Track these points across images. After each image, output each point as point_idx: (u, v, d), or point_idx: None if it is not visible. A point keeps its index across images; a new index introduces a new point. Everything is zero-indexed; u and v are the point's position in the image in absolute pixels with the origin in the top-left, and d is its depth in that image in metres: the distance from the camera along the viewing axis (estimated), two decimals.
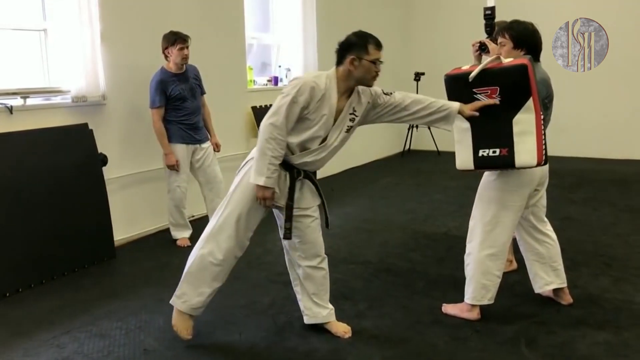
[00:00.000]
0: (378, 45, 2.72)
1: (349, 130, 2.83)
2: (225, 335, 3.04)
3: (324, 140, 2.77)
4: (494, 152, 2.83)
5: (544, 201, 3.24)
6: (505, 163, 2.83)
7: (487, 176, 3.13)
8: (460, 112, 2.84)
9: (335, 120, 2.76)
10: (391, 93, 2.89)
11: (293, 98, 2.64)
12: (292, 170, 2.80)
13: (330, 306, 3.03)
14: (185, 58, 4.33)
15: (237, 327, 3.13)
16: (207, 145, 4.61)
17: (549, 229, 3.26)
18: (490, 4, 3.60)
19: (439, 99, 2.90)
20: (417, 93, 10.17)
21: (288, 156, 2.76)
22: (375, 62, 2.71)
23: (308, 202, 2.88)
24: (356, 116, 2.82)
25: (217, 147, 4.75)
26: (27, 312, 3.38)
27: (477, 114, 2.80)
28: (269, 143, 2.64)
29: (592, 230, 4.72)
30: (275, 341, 2.95)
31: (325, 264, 2.99)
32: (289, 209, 2.80)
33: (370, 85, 2.81)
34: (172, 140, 4.42)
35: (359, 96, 2.82)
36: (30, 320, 3.27)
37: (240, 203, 2.79)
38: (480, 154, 2.87)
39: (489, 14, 3.55)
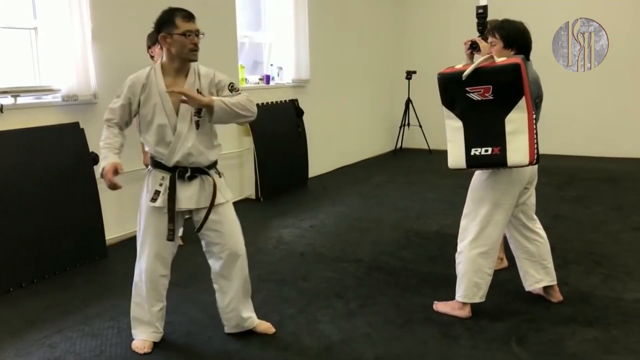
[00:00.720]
0: (187, 17, 2.63)
1: (200, 113, 2.67)
2: (217, 334, 3.03)
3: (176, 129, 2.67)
4: (486, 151, 2.84)
5: (533, 199, 3.27)
6: (497, 162, 2.84)
7: (479, 175, 3.15)
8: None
9: (177, 105, 2.65)
10: (238, 91, 2.74)
11: (118, 100, 2.75)
12: (174, 171, 2.71)
13: (250, 313, 2.96)
14: None
15: None
16: None
17: (538, 227, 3.29)
18: (482, 2, 3.63)
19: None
20: (408, 92, 10.04)
21: (162, 159, 2.72)
22: (187, 34, 2.61)
23: (208, 199, 2.74)
24: (202, 96, 2.64)
25: None
26: (19, 312, 3.36)
27: (178, 92, 2.59)
28: (103, 135, 2.78)
29: (582, 228, 4.75)
30: (268, 340, 2.95)
31: (242, 262, 2.86)
32: (169, 210, 2.73)
33: (192, 60, 2.68)
34: None
35: (198, 77, 2.70)
36: (21, 320, 3.25)
37: (141, 221, 2.86)
38: (472, 153, 2.88)
39: (481, 13, 3.57)
